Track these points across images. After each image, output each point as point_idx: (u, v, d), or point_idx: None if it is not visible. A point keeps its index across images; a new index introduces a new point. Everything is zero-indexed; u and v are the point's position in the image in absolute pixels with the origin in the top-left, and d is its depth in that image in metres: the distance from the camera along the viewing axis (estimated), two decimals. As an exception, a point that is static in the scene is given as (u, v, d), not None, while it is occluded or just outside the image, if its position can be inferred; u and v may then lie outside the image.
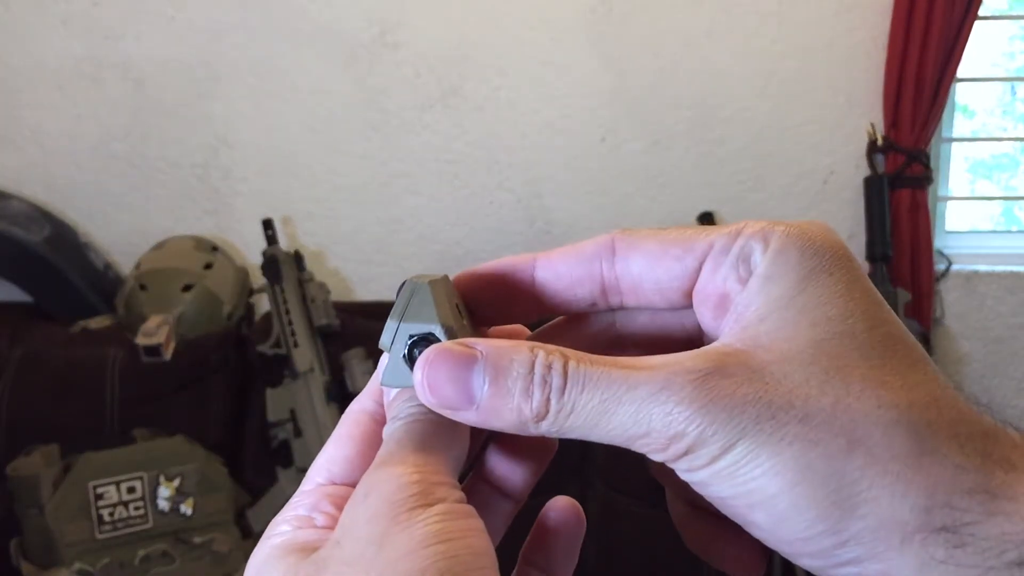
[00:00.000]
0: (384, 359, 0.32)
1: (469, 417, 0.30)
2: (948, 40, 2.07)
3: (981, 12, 2.09)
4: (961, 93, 2.33)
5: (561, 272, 0.33)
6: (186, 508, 1.83)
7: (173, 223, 2.30)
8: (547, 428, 0.29)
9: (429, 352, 0.30)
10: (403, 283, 0.32)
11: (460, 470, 0.30)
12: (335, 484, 0.32)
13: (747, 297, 0.30)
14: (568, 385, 0.29)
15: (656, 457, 0.29)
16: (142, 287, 2.11)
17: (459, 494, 0.28)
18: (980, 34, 2.19)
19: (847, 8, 2.15)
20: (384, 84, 2.24)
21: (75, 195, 2.31)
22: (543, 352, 0.29)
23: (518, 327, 0.36)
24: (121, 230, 2.32)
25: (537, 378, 0.29)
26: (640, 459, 0.30)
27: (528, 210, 2.28)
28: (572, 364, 0.29)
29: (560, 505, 0.35)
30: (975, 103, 2.41)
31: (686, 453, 0.28)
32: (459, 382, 0.29)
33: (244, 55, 2.24)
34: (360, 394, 0.35)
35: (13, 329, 2.11)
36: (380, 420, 0.33)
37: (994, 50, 2.36)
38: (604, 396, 0.28)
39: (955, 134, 2.31)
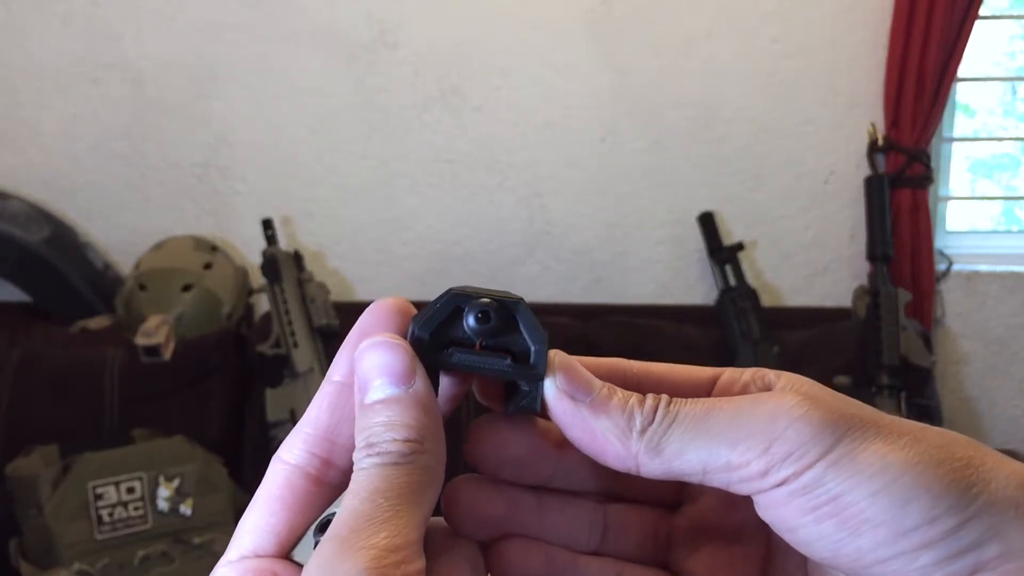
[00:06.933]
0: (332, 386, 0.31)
1: (580, 409, 0.31)
2: (949, 39, 2.07)
3: (982, 12, 2.09)
4: (962, 93, 2.32)
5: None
6: (185, 508, 1.83)
7: (173, 223, 2.29)
8: (651, 433, 0.31)
9: (560, 352, 0.32)
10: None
11: (429, 518, 0.29)
12: (260, 556, 0.30)
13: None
14: (674, 401, 0.31)
15: (748, 474, 0.30)
16: (141, 287, 2.11)
17: None
18: (981, 33, 2.19)
19: (847, 8, 2.15)
20: (384, 84, 2.24)
21: (74, 195, 2.31)
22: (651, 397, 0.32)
23: None
24: (121, 230, 2.32)
25: (648, 397, 0.32)
26: None
27: (528, 210, 2.28)
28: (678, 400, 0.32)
29: None
30: (976, 103, 2.41)
31: (784, 459, 0.29)
32: (582, 377, 0.32)
33: (244, 55, 2.24)
34: (290, 438, 0.31)
35: (13, 329, 2.11)
36: (316, 476, 0.31)
37: (995, 50, 2.36)
38: (706, 405, 0.31)
39: (956, 134, 2.31)
